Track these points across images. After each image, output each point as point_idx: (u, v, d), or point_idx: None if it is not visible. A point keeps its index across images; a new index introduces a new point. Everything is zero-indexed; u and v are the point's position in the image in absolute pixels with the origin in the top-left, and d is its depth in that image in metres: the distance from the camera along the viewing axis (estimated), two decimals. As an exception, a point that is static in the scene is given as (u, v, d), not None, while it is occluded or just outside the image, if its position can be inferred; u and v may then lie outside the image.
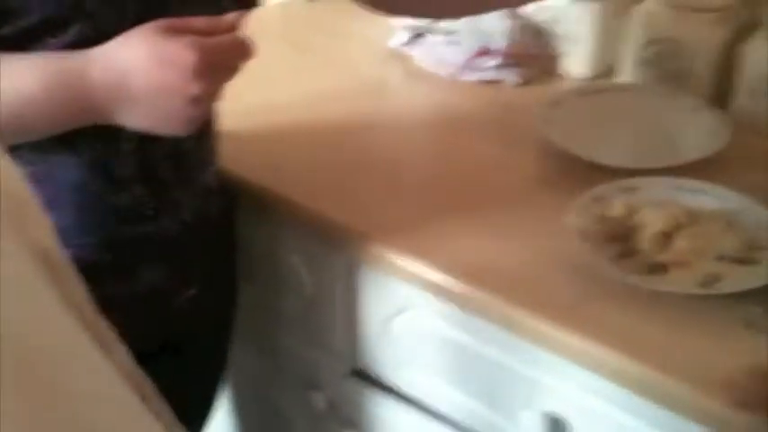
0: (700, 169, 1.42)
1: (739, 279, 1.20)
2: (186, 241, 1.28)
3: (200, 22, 1.07)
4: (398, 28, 1.76)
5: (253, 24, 1.13)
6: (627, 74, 1.66)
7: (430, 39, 1.73)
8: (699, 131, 1.53)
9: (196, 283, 1.32)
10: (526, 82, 1.70)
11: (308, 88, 1.64)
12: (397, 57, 1.75)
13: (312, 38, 1.66)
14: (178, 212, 1.26)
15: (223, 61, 1.06)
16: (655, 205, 1.29)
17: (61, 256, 0.62)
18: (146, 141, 1.15)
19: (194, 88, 1.03)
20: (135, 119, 1.08)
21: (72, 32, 1.07)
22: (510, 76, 1.69)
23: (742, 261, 1.24)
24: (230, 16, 1.08)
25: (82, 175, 1.17)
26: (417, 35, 1.74)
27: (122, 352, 0.69)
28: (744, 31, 1.60)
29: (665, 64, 1.64)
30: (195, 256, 1.31)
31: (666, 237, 1.24)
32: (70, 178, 1.17)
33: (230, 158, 1.38)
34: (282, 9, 1.97)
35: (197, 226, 1.29)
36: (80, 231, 1.19)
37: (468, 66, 1.70)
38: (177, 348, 1.35)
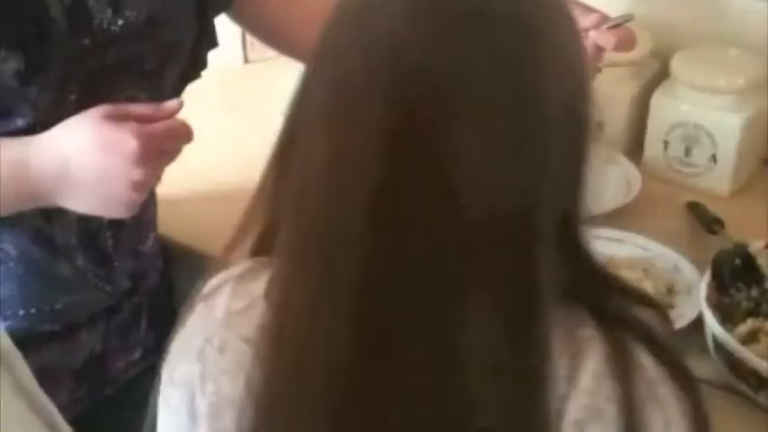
0: (615, 218, 1.50)
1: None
2: (127, 308, 1.32)
3: (140, 108, 1.09)
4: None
5: (190, 88, 1.16)
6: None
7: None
8: (613, 182, 1.61)
9: (137, 349, 1.35)
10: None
11: (245, 150, 1.66)
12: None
13: (248, 100, 1.68)
14: (119, 280, 1.29)
15: (163, 146, 1.08)
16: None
17: (8, 341, 0.64)
18: None
19: (136, 174, 1.05)
20: (78, 203, 1.10)
21: (15, 120, 1.10)
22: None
23: (658, 306, 1.32)
24: (170, 103, 1.10)
25: (24, 246, 1.19)
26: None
27: (67, 430, 0.71)
28: (653, 84, 1.69)
29: (580, 117, 1.72)
30: (136, 321, 1.34)
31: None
32: (13, 249, 1.19)
33: (169, 224, 1.42)
34: (219, 73, 2.01)
35: (137, 292, 1.32)
36: (22, 302, 1.21)
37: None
38: (116, 409, 1.36)
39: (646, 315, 0.80)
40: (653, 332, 0.78)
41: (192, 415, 0.83)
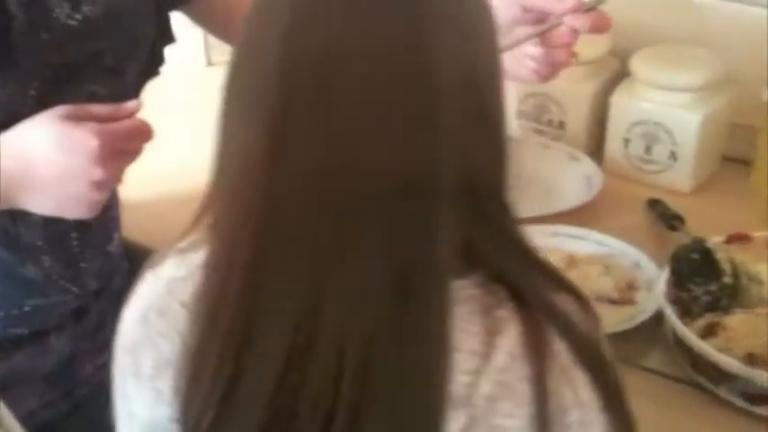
0: (577, 216, 1.52)
1: (616, 320, 1.29)
2: (94, 310, 1.32)
3: (100, 108, 1.09)
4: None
5: (152, 91, 1.17)
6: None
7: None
8: (575, 180, 1.63)
9: (107, 351, 1.35)
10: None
11: (208, 153, 1.68)
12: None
13: (211, 102, 1.70)
14: (86, 282, 1.29)
15: (124, 145, 1.08)
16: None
17: None
18: None
19: (97, 174, 1.05)
20: (40, 204, 1.10)
21: None
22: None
23: (619, 302, 1.34)
24: (130, 103, 1.10)
25: (-9, 249, 1.19)
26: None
27: None
28: (613, 83, 1.71)
29: (542, 116, 1.74)
30: (104, 324, 1.33)
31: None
32: (-21, 253, 1.19)
33: (132, 226, 1.42)
34: (182, 75, 2.01)
35: (105, 294, 1.32)
36: (-11, 305, 1.21)
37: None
38: (86, 412, 1.36)
39: (565, 302, 0.81)
40: (569, 319, 0.79)
41: (137, 377, 0.87)
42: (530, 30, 1.19)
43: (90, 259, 1.29)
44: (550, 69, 1.22)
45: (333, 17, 0.74)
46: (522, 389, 0.77)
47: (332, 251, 0.75)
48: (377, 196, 0.74)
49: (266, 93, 0.75)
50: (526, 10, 1.18)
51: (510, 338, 0.77)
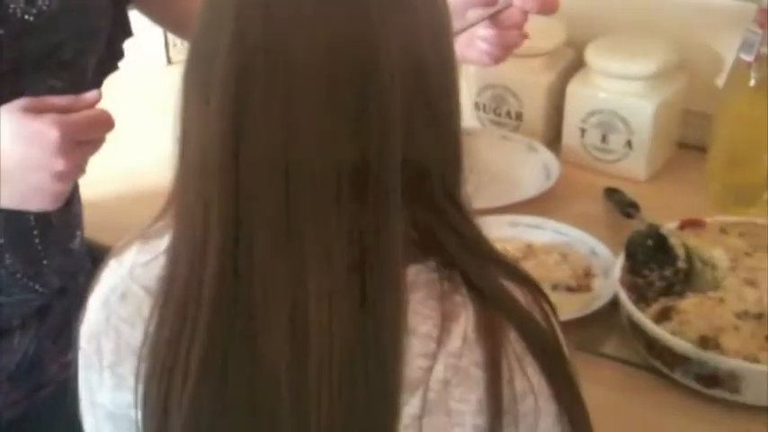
0: (535, 205, 1.54)
1: (573, 307, 1.31)
2: (58, 309, 1.32)
3: (60, 100, 1.09)
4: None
5: (113, 89, 1.17)
6: (464, 118, 1.77)
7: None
8: (533, 170, 1.65)
9: (71, 350, 1.35)
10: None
11: (168, 151, 1.69)
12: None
13: (172, 100, 1.70)
14: (49, 279, 1.29)
15: (85, 136, 1.07)
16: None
17: None
18: (14, 211, 1.15)
19: (58, 164, 1.04)
20: (2, 197, 1.09)
21: None
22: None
23: (576, 290, 1.36)
24: (89, 93, 1.10)
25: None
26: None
27: None
28: (569, 73, 1.73)
29: (500, 108, 1.76)
30: (68, 323, 1.33)
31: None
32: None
33: (95, 226, 1.42)
34: (142, 74, 2.01)
35: (68, 293, 1.33)
36: (-48, 305, 1.22)
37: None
38: (51, 411, 1.36)
39: (518, 291, 0.82)
40: (521, 308, 0.81)
41: (100, 364, 0.88)
42: (481, 12, 1.21)
43: (53, 257, 1.29)
44: (502, 51, 1.24)
45: (281, 6, 0.75)
46: (476, 374, 0.78)
47: (293, 233, 0.76)
48: (332, 180, 0.75)
49: (222, 82, 0.76)
50: None
51: (464, 323, 0.79)
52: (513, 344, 0.79)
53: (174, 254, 0.83)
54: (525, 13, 1.20)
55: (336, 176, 0.75)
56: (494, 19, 1.21)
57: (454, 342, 0.78)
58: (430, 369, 0.78)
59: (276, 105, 0.75)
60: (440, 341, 0.78)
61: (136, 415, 0.84)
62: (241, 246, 0.77)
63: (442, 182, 0.81)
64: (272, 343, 0.77)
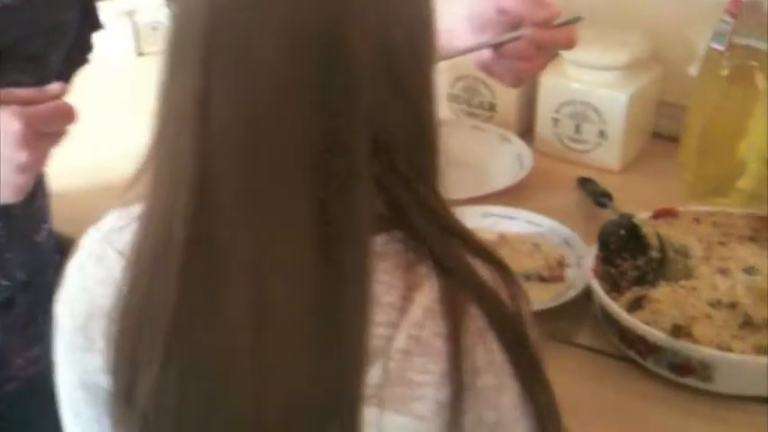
0: (509, 196, 1.54)
1: (546, 297, 1.31)
2: (23, 303, 1.31)
3: (23, 92, 1.08)
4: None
5: (83, 82, 1.16)
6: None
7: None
8: (505, 161, 1.65)
9: (37, 344, 1.35)
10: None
11: (138, 144, 1.68)
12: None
13: (141, 94, 1.69)
14: (13, 273, 1.29)
15: (48, 128, 1.07)
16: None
17: None
18: None
19: (21, 156, 1.04)
20: None
21: None
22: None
23: (549, 280, 1.36)
24: (53, 85, 1.10)
25: None
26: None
27: None
28: (542, 63, 1.73)
29: (473, 99, 1.76)
30: (33, 317, 1.33)
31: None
32: None
33: (64, 219, 1.41)
34: (111, 65, 2.00)
35: (34, 285, 1.32)
36: None
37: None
38: (18, 406, 1.36)
39: (484, 270, 0.81)
40: (485, 285, 0.80)
41: (73, 323, 0.88)
42: (489, 37, 1.17)
43: (16, 249, 1.28)
44: (513, 80, 1.22)
45: None
46: (438, 345, 0.77)
47: (258, 200, 0.77)
48: (300, 151, 0.75)
49: (194, 42, 0.76)
50: (502, 12, 1.17)
51: (427, 294, 0.78)
52: (476, 319, 0.79)
53: (145, 219, 0.83)
54: (533, 46, 1.16)
55: (303, 144, 0.75)
56: (498, 47, 1.17)
57: (416, 312, 0.78)
58: (391, 338, 0.77)
59: (241, 70, 0.75)
60: (402, 310, 0.78)
61: (105, 381, 0.84)
62: (207, 211, 0.77)
63: (412, 159, 0.80)
64: (235, 309, 0.77)
